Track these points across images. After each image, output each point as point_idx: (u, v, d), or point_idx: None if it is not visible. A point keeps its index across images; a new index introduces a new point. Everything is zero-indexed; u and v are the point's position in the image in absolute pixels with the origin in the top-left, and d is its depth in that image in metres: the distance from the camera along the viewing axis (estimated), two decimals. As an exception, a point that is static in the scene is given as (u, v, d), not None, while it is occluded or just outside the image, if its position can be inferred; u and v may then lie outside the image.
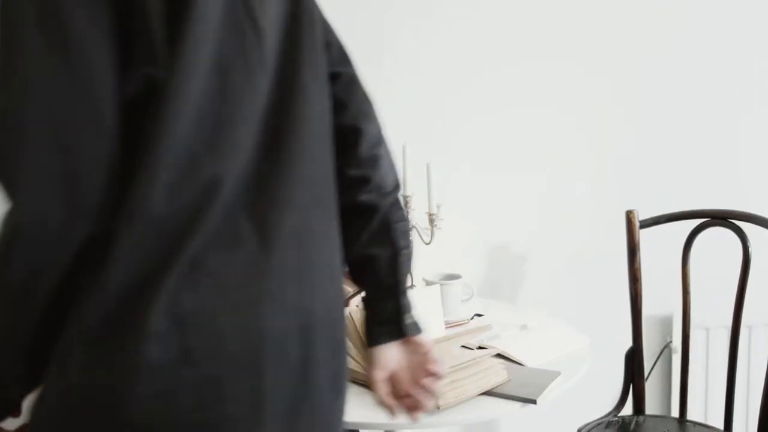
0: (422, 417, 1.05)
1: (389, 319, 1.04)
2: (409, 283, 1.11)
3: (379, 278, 1.05)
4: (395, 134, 2.02)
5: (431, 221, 1.98)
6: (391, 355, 1.05)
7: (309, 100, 0.92)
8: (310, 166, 0.91)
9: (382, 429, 1.32)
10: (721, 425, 1.86)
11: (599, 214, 2.18)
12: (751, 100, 2.19)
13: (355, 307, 1.54)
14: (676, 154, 2.19)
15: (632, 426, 1.81)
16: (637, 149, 2.19)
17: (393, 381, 1.06)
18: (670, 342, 2.21)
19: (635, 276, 1.85)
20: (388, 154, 1.09)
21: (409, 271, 1.08)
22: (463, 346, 1.44)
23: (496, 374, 1.29)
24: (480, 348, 1.45)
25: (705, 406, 2.21)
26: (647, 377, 2.16)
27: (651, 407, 2.25)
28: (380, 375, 1.05)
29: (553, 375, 1.32)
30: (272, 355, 0.82)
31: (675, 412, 2.19)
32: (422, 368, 1.04)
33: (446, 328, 1.47)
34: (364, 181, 1.03)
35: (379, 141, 1.08)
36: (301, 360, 0.84)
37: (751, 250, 1.75)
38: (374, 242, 1.04)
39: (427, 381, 1.03)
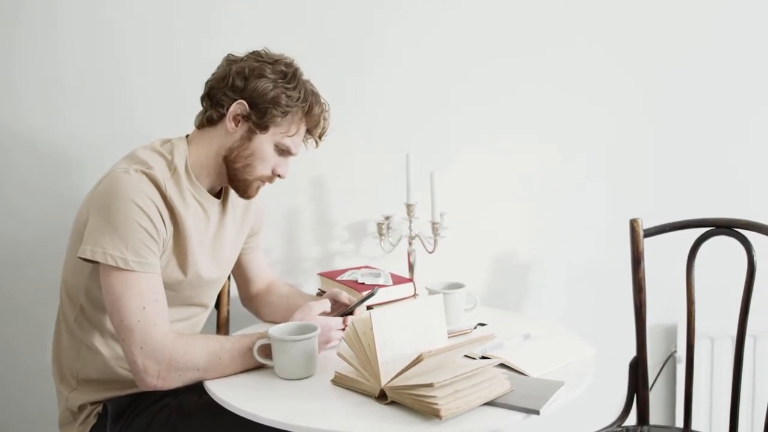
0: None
1: None
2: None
3: None
4: (399, 143, 2.04)
5: (435, 230, 1.98)
6: None
7: None
8: None
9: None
10: (726, 436, 1.85)
11: (603, 223, 2.18)
12: (756, 108, 2.19)
13: (357, 317, 1.54)
14: (680, 162, 2.19)
15: (636, 436, 1.80)
16: (642, 158, 2.19)
17: None
18: (675, 351, 2.20)
19: (639, 285, 1.84)
20: None
21: None
22: (465, 356, 1.43)
23: (499, 384, 1.28)
24: (483, 357, 1.44)
25: (710, 416, 2.20)
26: (651, 387, 2.16)
27: (655, 417, 2.24)
28: None
29: (557, 385, 1.31)
30: None
31: (679, 422, 2.18)
32: None
33: (449, 337, 1.46)
34: None
35: None
36: None
37: (756, 258, 1.74)
38: None
39: None
